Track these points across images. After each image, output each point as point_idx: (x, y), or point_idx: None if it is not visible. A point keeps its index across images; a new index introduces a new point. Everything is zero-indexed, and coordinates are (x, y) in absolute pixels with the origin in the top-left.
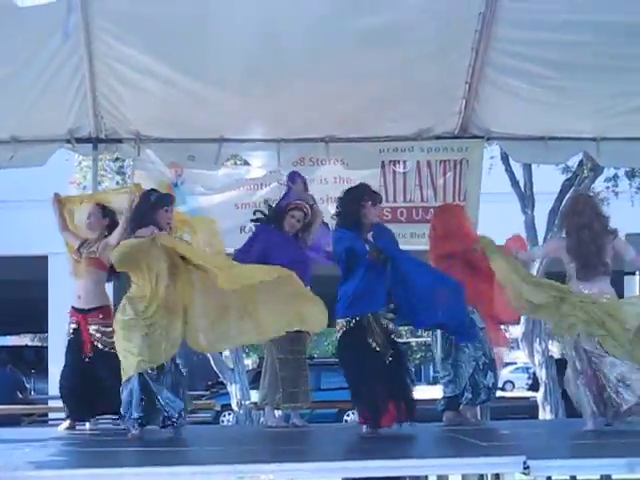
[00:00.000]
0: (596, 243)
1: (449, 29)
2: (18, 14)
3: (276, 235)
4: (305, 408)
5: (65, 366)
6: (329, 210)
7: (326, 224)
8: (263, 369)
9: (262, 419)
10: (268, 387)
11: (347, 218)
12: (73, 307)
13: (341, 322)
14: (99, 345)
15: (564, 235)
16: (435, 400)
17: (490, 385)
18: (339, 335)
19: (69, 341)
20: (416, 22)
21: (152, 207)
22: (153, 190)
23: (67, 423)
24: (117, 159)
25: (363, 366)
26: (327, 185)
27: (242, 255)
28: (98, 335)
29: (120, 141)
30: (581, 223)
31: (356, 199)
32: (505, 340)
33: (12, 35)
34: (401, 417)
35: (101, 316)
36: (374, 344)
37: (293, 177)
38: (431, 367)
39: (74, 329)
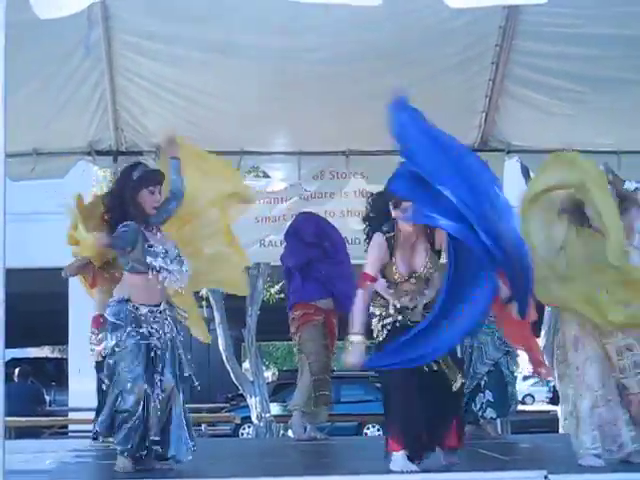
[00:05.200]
0: None
1: (469, 43)
2: (41, 30)
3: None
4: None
5: None
6: (349, 224)
7: None
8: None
9: (282, 432)
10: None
11: None
12: None
13: None
14: None
15: None
16: None
17: (509, 398)
18: None
19: None
20: (436, 37)
21: (134, 187)
22: (139, 164)
23: None
24: None
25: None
26: (347, 199)
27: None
28: None
29: (141, 154)
30: None
31: None
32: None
33: (35, 50)
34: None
35: None
36: None
37: None
38: None
39: None
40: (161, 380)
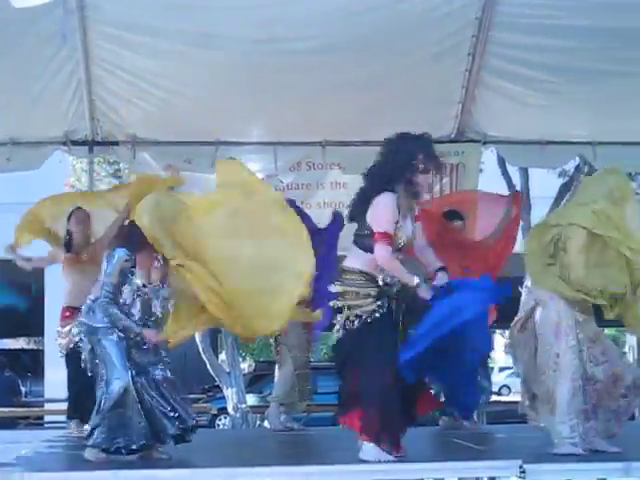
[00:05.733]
0: None
1: (447, 35)
2: (15, 20)
3: None
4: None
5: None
6: (326, 215)
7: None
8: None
9: (258, 422)
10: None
11: None
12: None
13: None
14: None
15: None
16: None
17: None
18: None
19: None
20: (413, 28)
21: None
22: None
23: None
24: (113, 162)
25: None
26: (324, 190)
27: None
28: None
29: (116, 144)
30: None
31: None
32: None
33: (9, 40)
34: None
35: None
36: None
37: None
38: None
39: None
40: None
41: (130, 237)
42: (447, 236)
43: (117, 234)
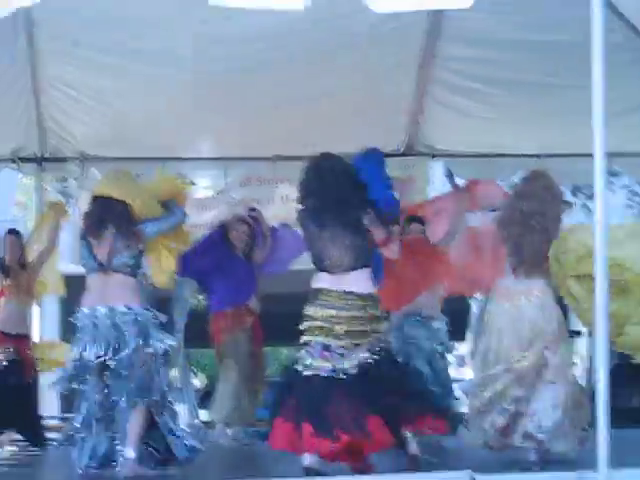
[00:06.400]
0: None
1: (394, 48)
2: None
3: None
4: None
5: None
6: None
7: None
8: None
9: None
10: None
11: None
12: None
13: None
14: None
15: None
16: None
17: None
18: None
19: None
20: (362, 43)
21: None
22: None
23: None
24: (62, 179)
25: None
26: (274, 205)
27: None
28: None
29: (65, 160)
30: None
31: None
32: None
33: None
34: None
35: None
36: None
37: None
38: None
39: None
40: None
41: None
42: (405, 242)
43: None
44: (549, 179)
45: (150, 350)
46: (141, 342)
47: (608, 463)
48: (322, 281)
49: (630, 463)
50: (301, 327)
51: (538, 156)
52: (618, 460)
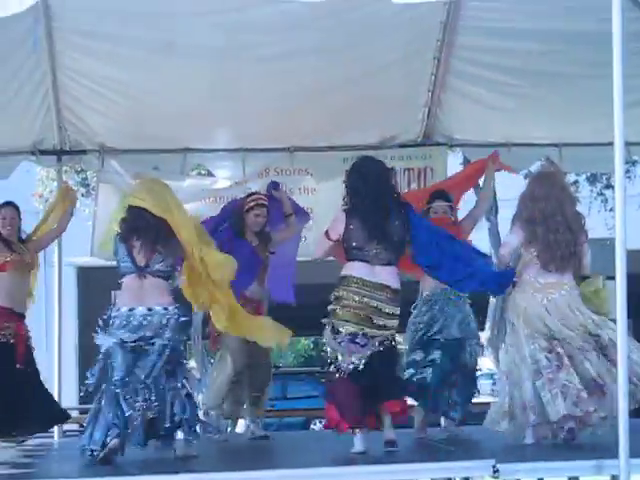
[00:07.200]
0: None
1: (411, 39)
2: None
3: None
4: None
5: None
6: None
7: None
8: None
9: (229, 428)
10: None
11: None
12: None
13: None
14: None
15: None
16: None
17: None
18: None
19: None
20: (378, 33)
21: None
22: None
23: None
24: (81, 171)
25: None
26: (293, 196)
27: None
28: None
29: (84, 152)
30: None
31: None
32: None
33: None
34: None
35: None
36: None
37: (275, 185)
38: None
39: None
40: None
41: None
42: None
43: None
44: (562, 179)
45: (177, 344)
46: (173, 336)
47: (628, 452)
48: (358, 270)
49: None
50: (331, 307)
51: (556, 145)
52: (637, 449)
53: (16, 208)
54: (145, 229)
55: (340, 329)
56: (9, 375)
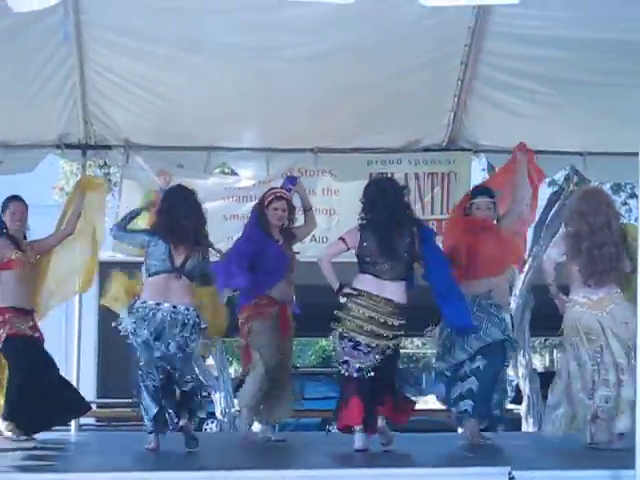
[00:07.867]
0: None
1: (439, 43)
2: (10, 24)
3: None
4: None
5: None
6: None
7: None
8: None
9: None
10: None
11: None
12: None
13: None
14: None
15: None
16: (424, 410)
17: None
18: None
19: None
20: (406, 36)
21: None
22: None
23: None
24: (104, 165)
25: None
26: (315, 196)
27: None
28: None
29: (109, 148)
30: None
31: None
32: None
33: (4, 44)
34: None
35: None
36: None
37: (291, 180)
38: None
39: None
40: None
41: None
42: (472, 221)
43: None
44: (608, 195)
45: (194, 345)
46: (192, 336)
47: None
48: (367, 283)
49: None
50: (340, 314)
51: (581, 154)
52: None
53: (24, 203)
54: (186, 230)
55: (345, 335)
56: (37, 369)
